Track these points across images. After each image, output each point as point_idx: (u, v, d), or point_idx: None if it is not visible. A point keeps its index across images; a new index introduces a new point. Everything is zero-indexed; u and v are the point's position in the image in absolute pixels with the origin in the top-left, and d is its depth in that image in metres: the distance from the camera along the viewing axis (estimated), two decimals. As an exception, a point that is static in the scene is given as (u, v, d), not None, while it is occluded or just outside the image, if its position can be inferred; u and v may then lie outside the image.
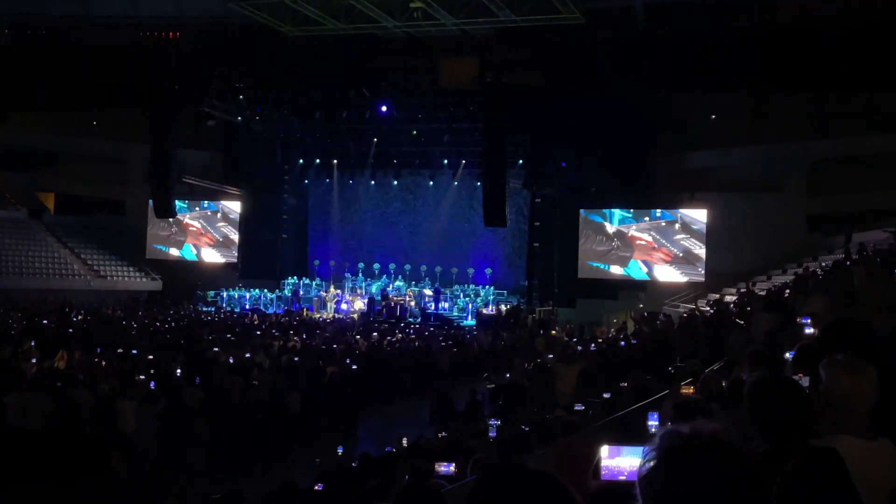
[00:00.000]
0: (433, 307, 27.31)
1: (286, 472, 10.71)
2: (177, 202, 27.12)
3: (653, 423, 4.61)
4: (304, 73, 27.73)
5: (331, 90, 28.04)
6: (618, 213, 26.78)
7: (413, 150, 29.98)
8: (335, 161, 31.79)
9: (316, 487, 7.96)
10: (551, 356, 14.39)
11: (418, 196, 31.34)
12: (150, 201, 27.50)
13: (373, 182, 31.63)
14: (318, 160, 32.13)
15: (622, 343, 16.61)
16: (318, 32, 24.49)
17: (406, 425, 13.30)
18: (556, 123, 25.77)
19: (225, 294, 30.41)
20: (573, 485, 1.41)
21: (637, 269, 26.53)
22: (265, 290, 30.13)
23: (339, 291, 29.56)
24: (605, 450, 2.37)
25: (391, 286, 28.63)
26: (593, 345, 18.17)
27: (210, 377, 13.41)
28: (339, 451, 10.76)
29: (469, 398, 13.71)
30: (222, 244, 32.45)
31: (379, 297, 27.49)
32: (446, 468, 6.56)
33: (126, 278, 31.91)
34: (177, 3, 27.79)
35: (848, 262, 14.63)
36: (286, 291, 29.95)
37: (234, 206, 32.05)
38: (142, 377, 12.65)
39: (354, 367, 15.98)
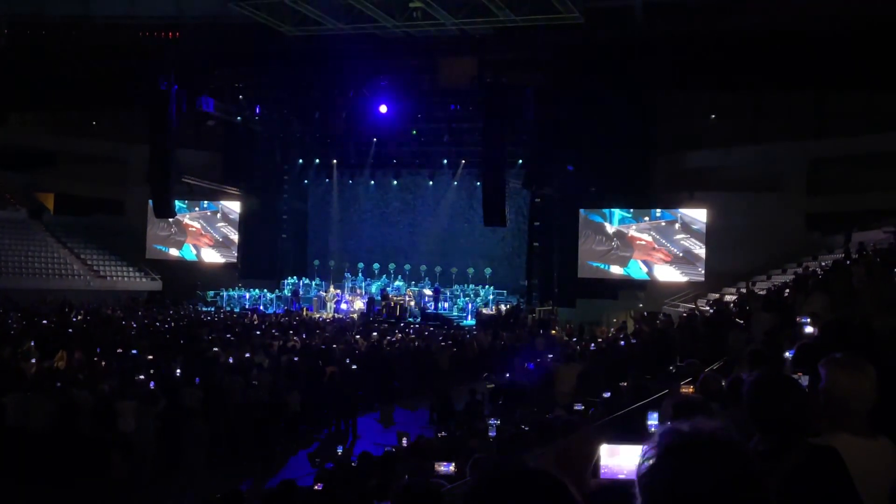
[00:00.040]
0: (433, 307, 27.32)
1: (286, 472, 10.73)
2: (176, 202, 27.15)
3: (652, 422, 4.60)
4: (304, 73, 27.73)
5: (330, 90, 28.03)
6: (618, 212, 26.78)
7: (412, 149, 30.00)
8: (335, 161, 31.76)
9: (316, 487, 7.95)
10: (551, 356, 14.41)
11: (418, 196, 31.29)
12: (150, 201, 27.48)
13: (372, 182, 31.60)
14: (317, 160, 32.10)
15: (622, 343, 16.64)
16: (318, 32, 24.49)
17: (406, 425, 13.29)
18: (555, 123, 25.77)
19: (225, 294, 30.42)
20: (573, 483, 1.41)
21: (637, 269, 26.53)
22: (265, 290, 30.13)
23: (338, 291, 29.55)
24: (604, 449, 2.37)
25: (391, 286, 28.60)
26: (593, 345, 18.19)
27: (210, 377, 13.40)
28: (339, 450, 10.78)
29: (469, 398, 13.70)
30: (222, 244, 32.45)
31: (379, 297, 27.46)
32: (446, 468, 6.56)
33: (126, 278, 31.92)
34: (176, 3, 27.78)
35: (848, 262, 14.67)
36: (286, 291, 29.95)
37: (234, 206, 32.07)
38: (142, 377, 12.68)
39: (354, 367, 15.94)
